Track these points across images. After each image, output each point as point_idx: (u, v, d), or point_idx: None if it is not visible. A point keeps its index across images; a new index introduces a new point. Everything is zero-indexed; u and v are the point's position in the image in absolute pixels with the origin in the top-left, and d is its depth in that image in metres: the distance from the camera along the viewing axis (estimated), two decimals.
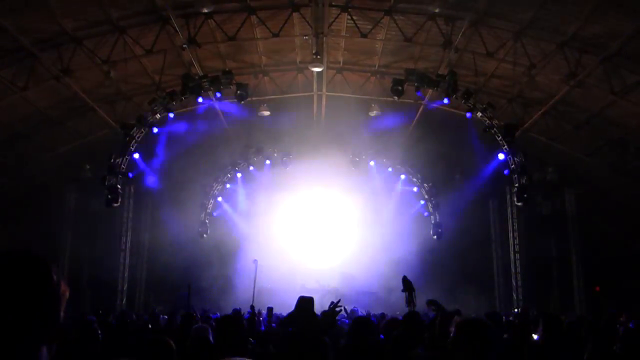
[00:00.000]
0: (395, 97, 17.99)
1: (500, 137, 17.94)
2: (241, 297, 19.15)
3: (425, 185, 23.91)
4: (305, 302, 6.06)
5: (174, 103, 18.01)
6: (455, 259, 22.70)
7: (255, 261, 11.48)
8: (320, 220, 25.78)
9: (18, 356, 1.29)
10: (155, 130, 18.38)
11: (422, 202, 24.16)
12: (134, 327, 9.92)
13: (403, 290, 12.00)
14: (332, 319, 5.87)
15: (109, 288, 21.41)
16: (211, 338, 5.04)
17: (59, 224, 21.44)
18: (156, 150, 19.95)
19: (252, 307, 9.55)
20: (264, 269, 20.57)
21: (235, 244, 22.24)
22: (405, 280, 8.68)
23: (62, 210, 21.80)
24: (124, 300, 22.00)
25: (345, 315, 10.64)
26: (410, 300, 10.49)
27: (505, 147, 17.94)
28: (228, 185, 24.08)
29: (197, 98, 18.35)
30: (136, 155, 18.71)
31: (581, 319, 9.28)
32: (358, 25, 17.09)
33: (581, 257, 21.58)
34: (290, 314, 6.06)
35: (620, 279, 19.25)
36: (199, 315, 9.15)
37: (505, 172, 18.23)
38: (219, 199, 24.11)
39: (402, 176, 23.96)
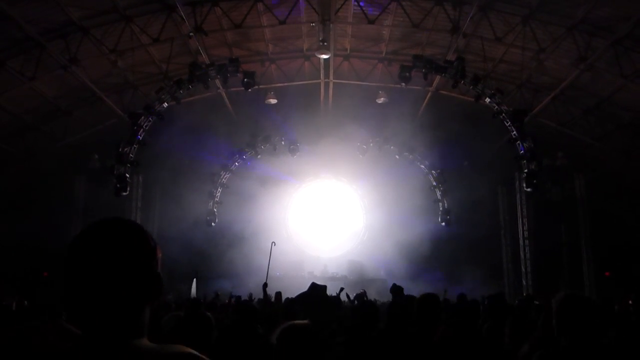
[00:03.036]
0: (403, 84, 17.91)
1: (509, 123, 17.81)
2: (252, 281, 19.29)
3: (434, 172, 23.83)
4: (318, 289, 6.07)
5: (181, 92, 18.00)
6: (463, 245, 22.65)
7: (273, 243, 11.47)
8: (327, 208, 25.81)
9: (130, 315, 1.36)
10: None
11: (431, 189, 24.08)
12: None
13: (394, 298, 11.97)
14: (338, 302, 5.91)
15: None
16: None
17: (68, 213, 21.54)
18: (164, 139, 19.96)
19: (265, 284, 9.57)
20: (272, 257, 20.66)
21: (243, 232, 22.27)
22: (395, 288, 8.73)
23: (71, 200, 21.90)
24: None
25: (348, 300, 10.68)
26: None
27: (515, 132, 17.82)
28: (236, 174, 24.09)
29: (204, 86, 18.33)
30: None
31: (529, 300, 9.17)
32: (365, 11, 16.97)
33: (591, 242, 21.48)
34: (302, 294, 6.08)
35: (630, 265, 19.17)
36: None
37: (521, 148, 17.75)
38: (227, 187, 24.14)
39: (410, 163, 23.87)
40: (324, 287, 6.29)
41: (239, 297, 12.80)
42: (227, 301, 12.92)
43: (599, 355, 2.77)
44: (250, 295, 13.12)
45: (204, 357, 1.38)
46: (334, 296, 8.26)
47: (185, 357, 1.35)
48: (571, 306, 2.89)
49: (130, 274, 1.36)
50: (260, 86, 19.94)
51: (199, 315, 3.81)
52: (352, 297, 10.83)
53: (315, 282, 6.43)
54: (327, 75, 21.11)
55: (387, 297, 16.26)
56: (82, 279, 1.35)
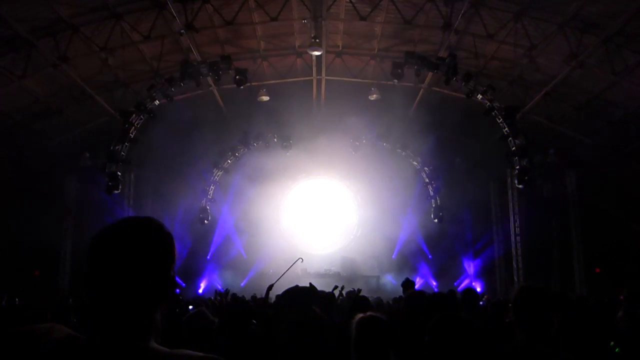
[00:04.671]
0: (395, 81, 17.93)
1: (501, 120, 17.87)
2: (245, 279, 19.30)
3: (426, 168, 23.87)
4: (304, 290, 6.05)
5: (173, 89, 17.94)
6: (455, 242, 22.74)
7: (300, 259, 11.36)
8: (320, 204, 25.82)
9: (141, 317, 1.35)
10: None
11: (423, 185, 24.13)
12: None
13: (404, 292, 12.00)
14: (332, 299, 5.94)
15: None
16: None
17: (59, 212, 21.43)
18: (155, 136, 19.88)
19: (269, 286, 9.55)
20: (266, 254, 20.71)
21: (236, 229, 22.25)
22: (407, 282, 8.70)
23: (62, 198, 21.78)
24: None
25: (342, 297, 10.68)
26: None
27: (506, 129, 17.88)
28: (228, 171, 24.02)
29: (195, 84, 18.26)
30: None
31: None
32: (357, 8, 16.95)
33: (582, 239, 21.60)
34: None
35: (621, 261, 19.31)
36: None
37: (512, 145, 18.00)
38: (219, 185, 24.08)
39: (403, 160, 23.89)
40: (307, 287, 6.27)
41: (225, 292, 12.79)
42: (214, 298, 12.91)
43: (556, 353, 2.77)
44: (227, 292, 13.09)
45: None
46: (328, 292, 8.26)
47: None
48: (527, 299, 2.89)
49: (150, 276, 1.36)
50: (253, 83, 19.88)
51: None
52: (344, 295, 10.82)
53: (309, 279, 6.43)
54: (319, 72, 21.09)
55: (378, 294, 16.31)
56: (103, 274, 1.35)
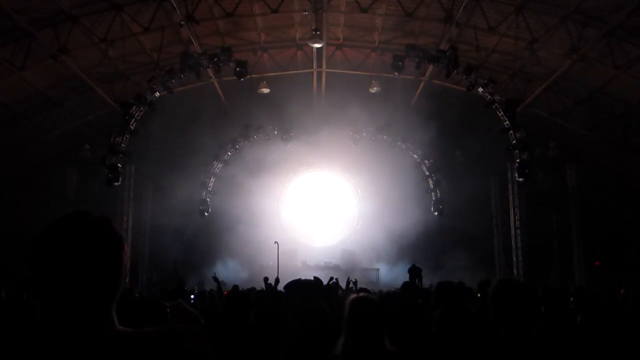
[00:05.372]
0: (396, 73, 17.88)
1: (502, 113, 17.84)
2: (245, 271, 19.35)
3: (426, 161, 23.84)
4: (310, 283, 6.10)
5: (173, 81, 17.89)
6: (455, 234, 22.75)
7: (275, 243, 11.50)
8: (320, 197, 25.82)
9: (99, 315, 1.34)
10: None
11: (423, 178, 24.11)
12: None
13: (411, 278, 12.12)
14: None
15: None
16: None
17: (60, 204, 21.42)
18: (156, 128, 19.86)
19: (277, 279, 9.64)
20: (265, 247, 20.73)
21: (236, 222, 22.24)
22: (413, 268, 8.75)
23: (62, 190, 21.78)
24: (127, 279, 22.09)
25: (341, 291, 10.75)
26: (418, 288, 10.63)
27: (507, 122, 17.85)
28: (228, 164, 24.01)
29: (196, 76, 18.21)
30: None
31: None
32: (358, 0, 16.87)
33: (581, 232, 21.63)
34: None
35: (620, 254, 19.33)
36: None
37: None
38: (220, 177, 24.07)
39: (403, 153, 23.87)
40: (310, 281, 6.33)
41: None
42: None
43: (536, 347, 2.80)
44: (201, 285, 13.15)
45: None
46: (328, 284, 8.34)
47: (176, 333, 1.35)
48: (505, 292, 2.93)
49: (97, 267, 1.35)
50: (253, 75, 19.85)
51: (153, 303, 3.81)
52: (344, 287, 10.90)
53: (309, 271, 6.48)
54: (319, 65, 21.04)
55: (377, 287, 16.35)
56: (51, 269, 1.33)
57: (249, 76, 18.70)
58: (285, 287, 6.03)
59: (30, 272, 1.36)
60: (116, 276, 1.39)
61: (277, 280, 9.54)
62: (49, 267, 1.34)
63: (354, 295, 3.20)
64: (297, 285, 5.69)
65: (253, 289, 12.23)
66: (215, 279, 10.41)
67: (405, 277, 17.24)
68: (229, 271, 21.11)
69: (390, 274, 21.76)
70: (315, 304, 4.72)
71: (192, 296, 10.01)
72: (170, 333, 1.34)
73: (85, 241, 1.36)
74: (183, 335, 1.34)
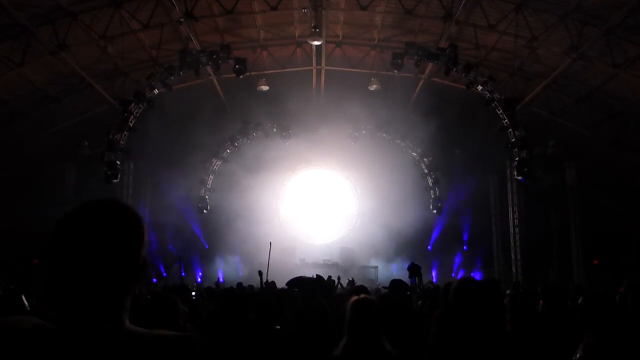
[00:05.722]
0: (395, 71, 17.87)
1: (501, 111, 17.84)
2: (246, 268, 19.37)
3: (425, 159, 23.84)
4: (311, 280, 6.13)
5: (172, 78, 17.87)
6: (454, 233, 22.77)
7: (270, 243, 11.50)
8: (319, 194, 25.82)
9: (113, 299, 1.34)
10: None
11: (422, 176, 24.12)
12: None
13: (410, 277, 12.16)
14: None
15: None
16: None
17: (58, 201, 21.41)
18: (155, 125, 19.85)
19: (272, 282, 9.69)
20: (264, 245, 20.72)
21: (235, 219, 22.24)
22: (413, 266, 8.77)
23: (61, 187, 21.75)
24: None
25: (341, 288, 10.81)
26: (418, 286, 10.65)
27: (506, 121, 17.85)
28: (227, 161, 24.00)
29: (195, 73, 18.18)
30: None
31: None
32: None
33: (580, 231, 21.64)
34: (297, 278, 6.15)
35: (619, 253, 19.35)
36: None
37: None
38: (218, 174, 24.07)
39: (402, 151, 23.86)
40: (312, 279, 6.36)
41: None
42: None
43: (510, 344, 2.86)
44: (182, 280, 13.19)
45: (198, 336, 1.35)
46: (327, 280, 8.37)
47: (183, 341, 1.32)
48: (463, 289, 3.00)
49: (119, 259, 1.33)
50: (252, 73, 19.81)
51: (164, 298, 3.81)
52: (344, 285, 10.98)
53: (308, 269, 6.51)
54: (319, 62, 21.02)
55: (376, 284, 16.36)
56: (68, 260, 1.32)
57: (248, 73, 18.66)
58: (287, 284, 6.06)
59: (50, 260, 1.34)
60: (133, 269, 1.37)
61: (259, 273, 9.64)
62: (63, 253, 1.33)
63: (355, 297, 3.28)
64: (298, 283, 5.72)
65: (251, 287, 12.26)
66: (260, 272, 10.37)
67: (404, 275, 17.31)
68: (229, 266, 21.19)
69: (389, 272, 21.77)
70: (315, 301, 4.75)
71: (194, 293, 10.02)
72: (176, 340, 1.32)
73: (103, 228, 1.34)
74: (189, 345, 1.31)
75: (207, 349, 1.33)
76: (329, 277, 10.30)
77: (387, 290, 5.98)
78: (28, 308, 3.89)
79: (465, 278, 3.19)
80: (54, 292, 1.28)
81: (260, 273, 9.92)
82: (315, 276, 6.45)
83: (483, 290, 3.03)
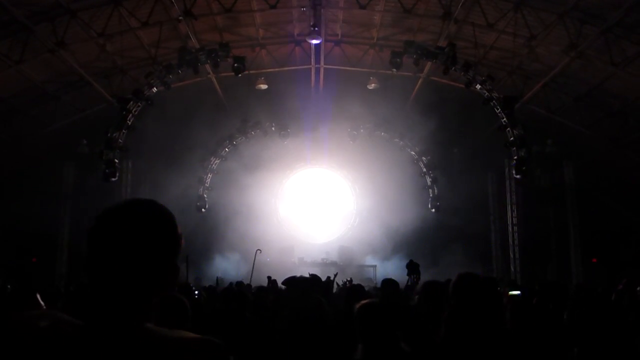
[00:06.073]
0: (394, 70, 17.87)
1: (500, 110, 17.85)
2: (242, 269, 19.35)
3: (424, 158, 23.84)
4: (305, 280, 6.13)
5: (171, 76, 17.85)
6: (453, 231, 22.77)
7: (258, 250, 11.49)
8: (318, 193, 25.81)
9: (143, 301, 1.34)
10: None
11: (421, 175, 24.12)
12: None
13: (409, 274, 12.18)
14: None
15: None
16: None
17: (56, 199, 21.41)
18: (153, 124, 19.83)
19: (274, 280, 9.71)
20: (263, 243, 20.73)
21: (234, 217, 22.23)
22: (411, 264, 8.80)
23: (59, 185, 21.74)
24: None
25: (338, 286, 10.79)
26: (416, 283, 10.66)
27: (505, 119, 17.86)
28: (226, 160, 23.99)
29: (193, 71, 18.17)
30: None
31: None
32: None
33: (579, 229, 21.68)
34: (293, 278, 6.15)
35: (618, 251, 19.39)
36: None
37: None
38: (217, 173, 24.04)
39: (401, 149, 23.86)
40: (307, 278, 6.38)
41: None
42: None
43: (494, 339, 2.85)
44: (198, 281, 13.19)
45: (217, 341, 1.36)
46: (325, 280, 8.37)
47: (202, 344, 1.33)
48: (464, 285, 2.97)
49: (152, 260, 1.34)
50: (251, 71, 19.81)
51: (173, 298, 3.81)
52: (341, 284, 10.96)
53: (306, 268, 6.53)
54: (317, 61, 21.02)
55: (374, 283, 16.38)
56: (105, 256, 1.32)
57: (246, 72, 18.66)
58: (284, 282, 6.07)
59: (87, 255, 1.35)
60: (164, 271, 1.37)
61: (269, 278, 9.58)
62: (102, 248, 1.33)
63: (359, 304, 3.26)
64: (295, 282, 5.73)
65: (249, 286, 12.26)
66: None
67: (402, 273, 17.33)
68: (229, 264, 21.18)
69: (387, 270, 21.77)
70: (313, 299, 4.75)
71: (197, 292, 10.03)
72: (196, 343, 1.32)
73: (144, 230, 1.35)
74: (208, 348, 1.32)
75: (224, 353, 1.34)
76: (328, 277, 10.28)
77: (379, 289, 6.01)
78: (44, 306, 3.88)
79: (465, 272, 3.15)
80: (88, 288, 1.27)
81: (269, 278, 9.90)
82: (309, 275, 6.45)
83: (483, 284, 3.02)
